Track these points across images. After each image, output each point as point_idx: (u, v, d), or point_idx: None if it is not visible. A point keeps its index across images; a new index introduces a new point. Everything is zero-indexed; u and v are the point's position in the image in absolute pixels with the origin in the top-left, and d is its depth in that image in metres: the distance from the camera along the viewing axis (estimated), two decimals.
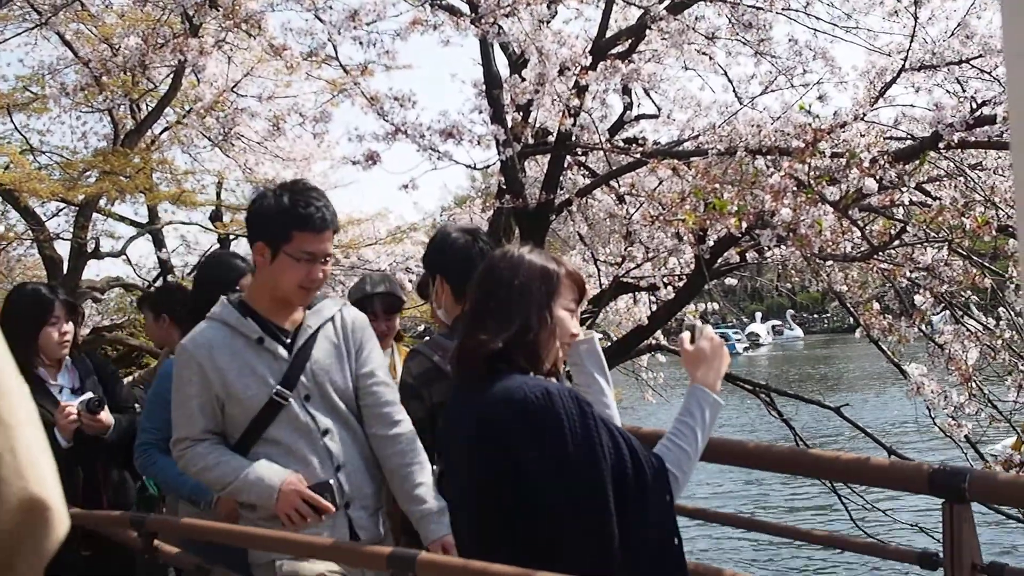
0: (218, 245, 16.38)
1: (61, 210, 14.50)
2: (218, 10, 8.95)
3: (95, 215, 13.49)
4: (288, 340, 3.49)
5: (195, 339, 3.49)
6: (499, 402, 2.50)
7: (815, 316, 78.74)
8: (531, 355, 2.63)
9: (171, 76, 11.79)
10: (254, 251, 3.45)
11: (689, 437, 2.72)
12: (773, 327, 75.66)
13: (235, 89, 12.65)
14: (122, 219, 15.68)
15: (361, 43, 8.75)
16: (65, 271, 12.29)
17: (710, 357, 2.90)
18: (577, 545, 2.44)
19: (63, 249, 12.74)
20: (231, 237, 15.72)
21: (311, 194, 3.43)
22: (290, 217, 3.37)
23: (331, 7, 8.78)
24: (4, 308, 4.88)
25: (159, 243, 15.93)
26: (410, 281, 12.06)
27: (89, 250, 13.17)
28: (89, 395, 4.65)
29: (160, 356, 6.00)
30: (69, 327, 4.78)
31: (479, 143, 8.61)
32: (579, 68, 7.90)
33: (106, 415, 4.64)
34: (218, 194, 16.51)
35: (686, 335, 2.97)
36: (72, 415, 4.55)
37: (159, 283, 15.85)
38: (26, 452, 0.99)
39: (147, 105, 13.14)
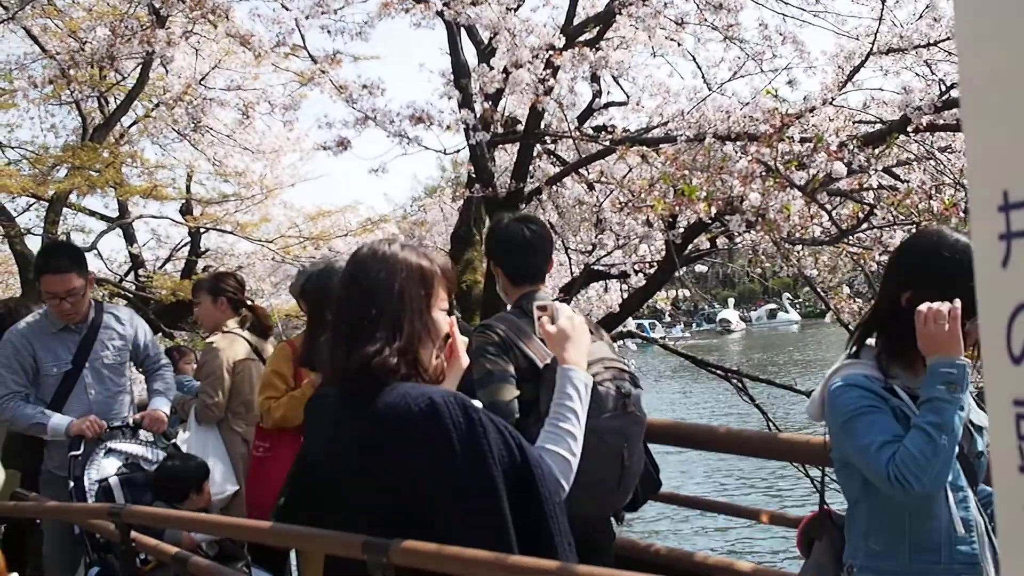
0: (189, 239, 16.32)
1: (31, 205, 14.43)
2: (184, 1, 8.90)
3: (65, 210, 13.43)
4: None
5: None
6: (383, 415, 2.41)
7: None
8: (413, 363, 2.54)
9: (139, 69, 11.73)
10: None
11: (572, 419, 2.71)
12: (770, 310, 74.94)
13: (203, 82, 12.61)
14: (92, 214, 15.58)
15: (329, 32, 8.74)
16: None
17: (573, 336, 2.89)
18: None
19: (34, 244, 12.67)
20: (201, 230, 15.64)
21: None
22: None
23: None
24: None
25: (130, 237, 15.81)
26: None
27: None
28: None
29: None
30: None
31: (448, 129, 8.59)
32: (552, 50, 7.87)
33: None
34: (188, 187, 16.41)
35: (546, 318, 2.96)
36: None
37: (131, 276, 15.79)
38: None
39: (115, 98, 13.07)
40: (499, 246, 3.96)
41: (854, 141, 6.62)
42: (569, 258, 10.06)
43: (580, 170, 9.31)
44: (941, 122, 7.01)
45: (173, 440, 5.62)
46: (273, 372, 4.97)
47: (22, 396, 5.33)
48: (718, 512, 7.27)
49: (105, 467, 5.11)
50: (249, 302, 6.18)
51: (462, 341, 2.74)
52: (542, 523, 2.44)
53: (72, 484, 5.05)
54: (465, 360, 2.77)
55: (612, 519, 3.91)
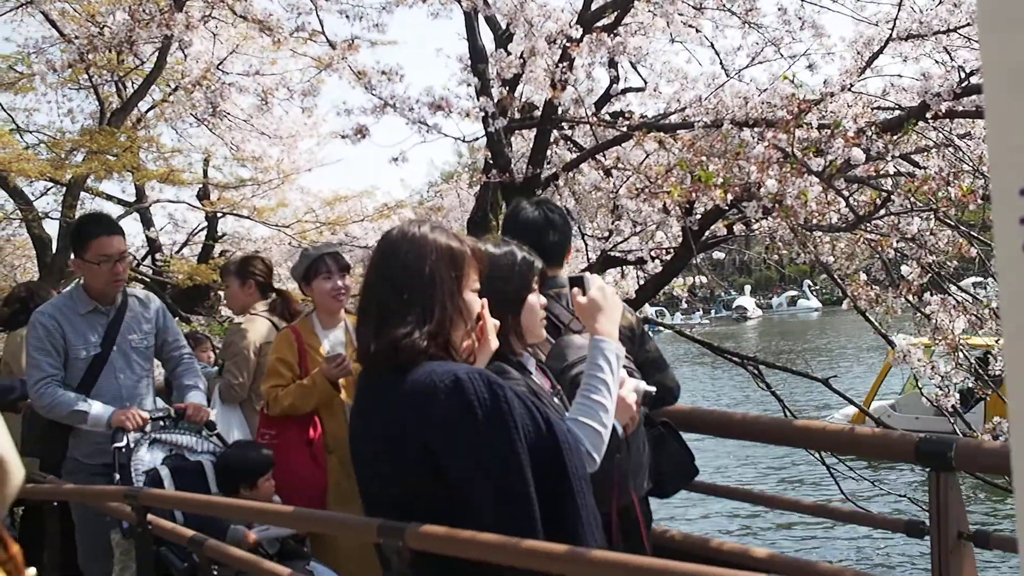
0: (206, 223, 16.36)
1: (49, 189, 14.49)
2: None
3: (83, 194, 13.47)
4: None
5: None
6: (408, 391, 2.41)
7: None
8: (445, 345, 2.53)
9: (156, 53, 11.74)
10: None
11: (603, 390, 2.70)
12: (791, 297, 74.37)
13: (221, 67, 12.62)
14: (110, 198, 15.65)
15: (347, 17, 8.73)
16: (54, 250, 12.25)
17: (604, 306, 2.88)
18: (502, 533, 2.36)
19: (52, 228, 12.73)
20: (218, 215, 15.68)
21: None
22: None
23: None
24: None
25: (147, 222, 15.87)
26: None
27: None
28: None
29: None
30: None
31: (467, 116, 8.56)
32: (568, 40, 7.85)
33: None
34: (205, 172, 16.45)
35: (576, 289, 2.94)
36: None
37: (148, 261, 15.84)
38: None
39: (133, 83, 13.10)
40: (515, 229, 3.93)
41: (872, 127, 6.58)
42: (586, 244, 10.04)
43: (597, 156, 9.27)
44: (960, 109, 6.95)
45: (216, 431, 5.58)
46: (278, 360, 4.97)
47: (58, 380, 5.16)
48: (745, 501, 7.25)
49: (151, 457, 5.02)
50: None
51: (492, 323, 2.74)
52: (568, 499, 2.43)
53: (118, 476, 4.88)
54: (495, 342, 2.75)
55: (645, 504, 3.86)
